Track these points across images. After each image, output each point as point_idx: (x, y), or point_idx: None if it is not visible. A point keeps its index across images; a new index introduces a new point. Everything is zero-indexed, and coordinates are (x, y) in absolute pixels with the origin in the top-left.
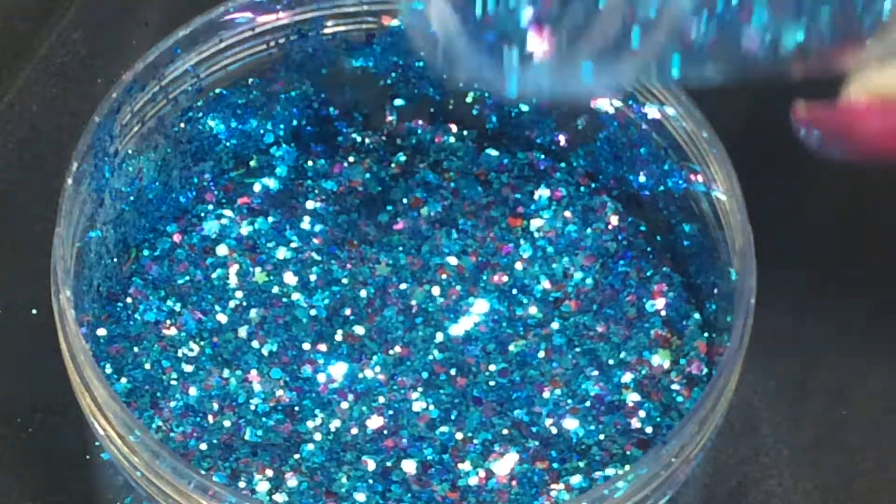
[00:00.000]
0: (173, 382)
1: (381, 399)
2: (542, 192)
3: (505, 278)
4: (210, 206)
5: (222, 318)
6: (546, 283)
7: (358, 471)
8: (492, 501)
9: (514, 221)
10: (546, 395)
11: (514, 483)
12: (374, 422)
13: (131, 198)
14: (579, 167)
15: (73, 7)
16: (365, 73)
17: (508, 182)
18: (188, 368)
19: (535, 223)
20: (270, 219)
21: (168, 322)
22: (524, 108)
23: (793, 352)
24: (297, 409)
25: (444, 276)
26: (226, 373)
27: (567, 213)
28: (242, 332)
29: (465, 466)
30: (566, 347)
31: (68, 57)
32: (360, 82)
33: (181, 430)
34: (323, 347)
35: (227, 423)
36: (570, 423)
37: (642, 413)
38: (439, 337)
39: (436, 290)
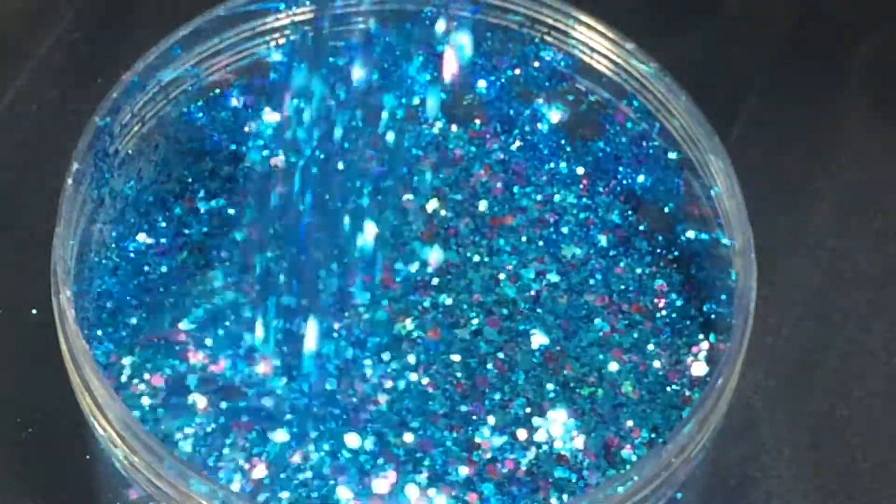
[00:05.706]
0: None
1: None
2: (543, 192)
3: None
4: (210, 206)
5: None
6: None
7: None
8: (490, 503)
9: (513, 221)
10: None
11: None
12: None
13: (131, 198)
14: (579, 167)
15: (73, 7)
16: (364, 74)
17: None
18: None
19: (535, 223)
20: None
21: (168, 322)
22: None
23: (793, 352)
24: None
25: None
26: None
27: (567, 214)
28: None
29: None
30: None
31: (68, 57)
32: (360, 83)
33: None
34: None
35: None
36: (570, 423)
37: (642, 413)
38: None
39: (435, 291)
